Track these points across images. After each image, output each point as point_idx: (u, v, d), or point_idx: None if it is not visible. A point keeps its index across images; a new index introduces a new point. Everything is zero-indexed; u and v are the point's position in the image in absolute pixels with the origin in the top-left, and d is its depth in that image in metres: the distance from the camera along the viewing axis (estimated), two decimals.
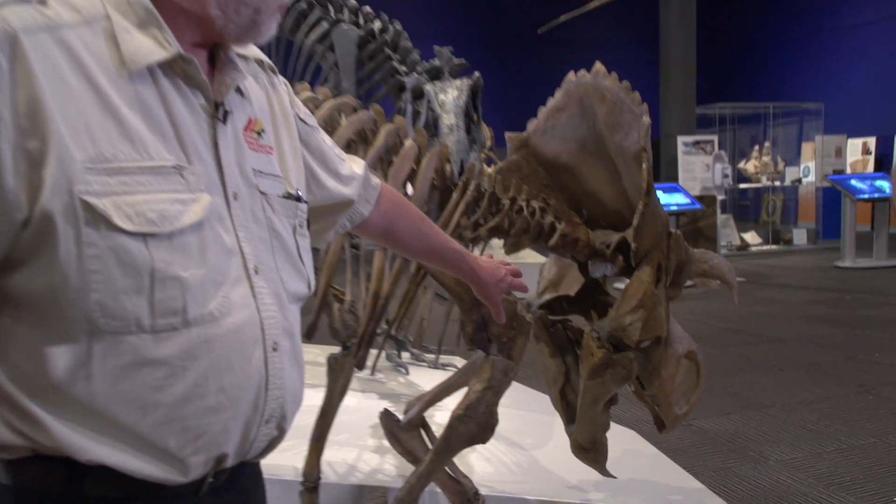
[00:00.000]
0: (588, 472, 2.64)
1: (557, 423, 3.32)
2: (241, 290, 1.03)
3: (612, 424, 3.40)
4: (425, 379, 4.20)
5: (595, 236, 2.29)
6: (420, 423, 2.51)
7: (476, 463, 3.15)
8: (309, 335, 2.07)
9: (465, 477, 2.49)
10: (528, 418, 3.82)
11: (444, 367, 4.60)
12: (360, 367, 2.04)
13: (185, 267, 0.97)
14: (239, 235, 1.04)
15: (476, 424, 2.03)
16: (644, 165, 1.98)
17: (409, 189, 2.18)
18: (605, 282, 2.50)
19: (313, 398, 3.05)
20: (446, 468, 2.43)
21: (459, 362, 4.52)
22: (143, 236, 0.94)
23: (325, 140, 1.35)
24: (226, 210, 1.03)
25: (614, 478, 2.57)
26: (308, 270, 1.18)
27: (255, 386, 1.05)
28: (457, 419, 2.05)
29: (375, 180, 1.47)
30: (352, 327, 2.50)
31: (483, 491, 2.57)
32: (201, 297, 0.98)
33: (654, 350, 2.24)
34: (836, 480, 3.56)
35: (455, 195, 2.18)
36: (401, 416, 2.57)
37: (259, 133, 1.13)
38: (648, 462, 3.27)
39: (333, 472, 2.97)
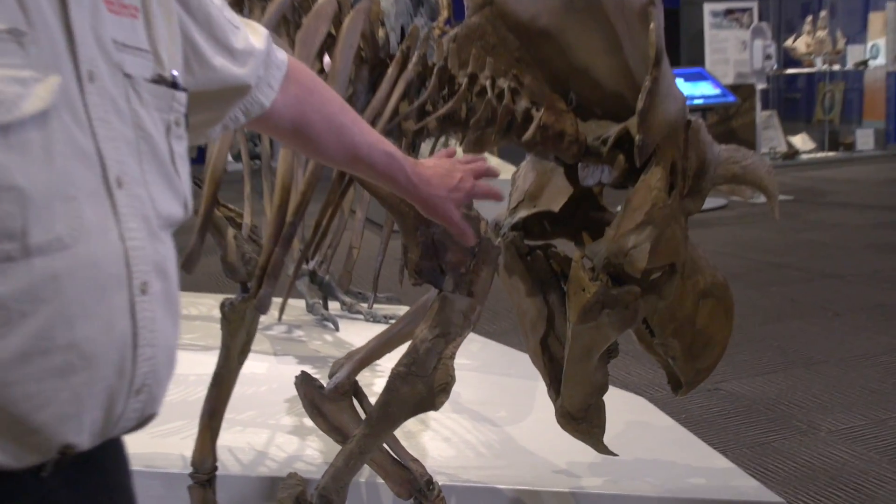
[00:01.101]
0: (580, 451, 2.69)
1: (539, 388, 3.36)
2: (99, 210, 1.02)
3: (614, 388, 3.44)
4: (360, 336, 4.21)
5: (587, 128, 2.28)
6: (351, 390, 2.52)
7: (431, 443, 3.19)
8: (187, 267, 2.04)
9: (415, 460, 2.52)
10: (501, 384, 3.86)
11: (385, 319, 4.62)
12: (262, 308, 2.02)
13: (26, 173, 0.95)
14: (97, 133, 1.03)
15: (424, 384, 2.04)
16: (652, 25, 1.96)
17: (327, 62, 2.14)
18: (601, 192, 2.50)
19: (205, 364, 3.04)
20: (387, 448, 2.45)
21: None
22: None
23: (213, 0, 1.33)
24: (79, 97, 1.02)
25: (615, 456, 2.62)
26: (185, 185, 1.17)
27: (120, 342, 1.04)
28: (398, 378, 2.06)
29: (282, 56, 1.45)
30: (253, 261, 2.47)
31: (440, 479, 2.60)
32: (47, 217, 0.97)
33: (667, 283, 2.26)
34: None
35: (391, 71, 2.14)
36: (325, 382, 2.57)
37: None
38: (662, 436, 3.34)
39: (235, 460, 2.98)
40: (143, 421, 1.14)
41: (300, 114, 1.47)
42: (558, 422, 2.45)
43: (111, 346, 1.04)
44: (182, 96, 1.17)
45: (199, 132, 1.40)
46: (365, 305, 4.70)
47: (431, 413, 3.36)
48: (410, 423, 3.27)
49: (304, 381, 2.52)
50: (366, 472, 2.79)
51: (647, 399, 3.82)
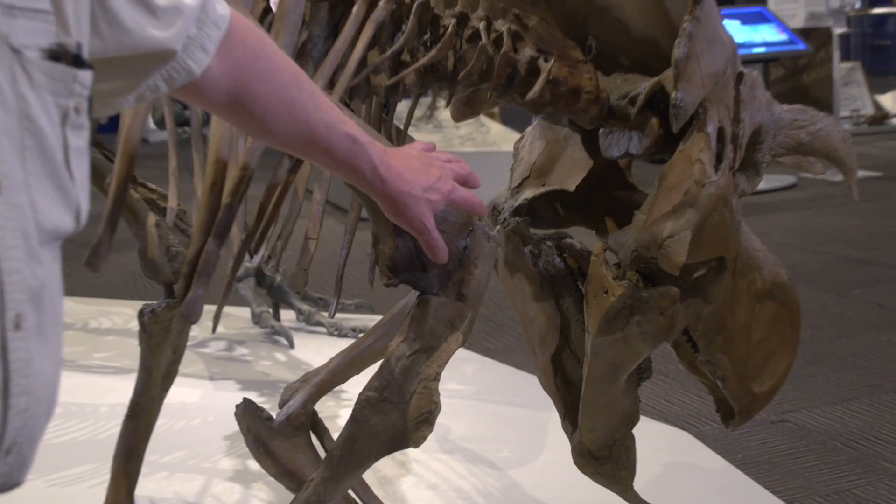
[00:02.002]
0: (606, 501, 2.70)
1: (552, 419, 3.38)
2: None
3: (648, 419, 3.44)
4: (321, 355, 4.23)
5: (610, 84, 2.29)
6: (308, 423, 2.52)
7: (412, 491, 3.20)
8: (93, 263, 2.04)
9: None
10: (502, 414, 3.87)
11: (354, 332, 4.62)
12: (192, 316, 2.02)
13: None
14: None
15: (400, 414, 2.04)
16: None
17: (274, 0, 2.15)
18: (628, 166, 2.50)
19: (120, 391, 3.04)
20: (355, 497, 2.45)
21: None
22: None
23: None
24: None
25: None
26: (79, 189, 1.18)
27: None
28: (367, 405, 2.06)
29: (222, 11, 1.46)
30: (181, 256, 2.48)
31: None
32: None
33: (715, 282, 2.27)
34: None
35: (357, 9, 2.14)
36: (275, 413, 2.57)
37: None
38: (711, 481, 3.36)
39: None
40: (6, 486, 1.15)
41: (242, 84, 1.49)
42: (576, 462, 2.46)
43: None
44: (86, 76, 1.17)
45: (106, 102, 1.41)
46: (326, 315, 4.70)
47: (413, 453, 3.39)
48: (386, 466, 3.29)
49: (247, 412, 2.52)
50: None
51: (692, 434, 3.83)
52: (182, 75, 1.42)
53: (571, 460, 2.48)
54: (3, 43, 1.07)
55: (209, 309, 2.31)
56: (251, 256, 2.52)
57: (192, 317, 2.06)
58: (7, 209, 1.06)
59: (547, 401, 2.57)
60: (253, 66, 1.50)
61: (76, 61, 1.16)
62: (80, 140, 1.17)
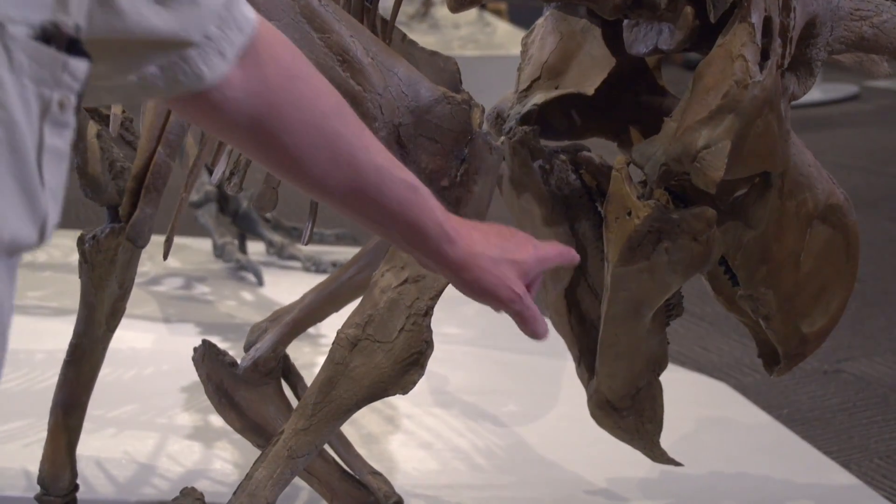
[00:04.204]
0: (627, 460, 2.71)
1: (566, 367, 3.39)
2: None
3: (679, 367, 3.43)
4: (294, 293, 4.22)
5: None
6: (279, 368, 2.53)
7: (402, 450, 3.21)
8: None
9: (377, 474, 2.54)
10: (508, 362, 3.87)
11: (334, 266, 4.61)
12: (139, 239, 2.02)
13: None
14: None
15: (385, 355, 2.04)
16: None
17: None
18: (658, 65, 2.49)
19: (59, 335, 3.03)
20: (333, 454, 2.47)
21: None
22: None
23: None
24: None
25: (679, 466, 2.64)
26: (49, 198, 1.16)
27: None
28: (347, 345, 2.06)
29: (248, 14, 1.41)
30: (127, 172, 2.47)
31: None
32: None
33: (758, 203, 2.27)
34: None
35: None
36: (240, 359, 2.58)
37: None
38: (752, 439, 3.38)
39: (105, 477, 3.01)
40: None
41: (272, 109, 1.45)
42: (592, 415, 2.47)
43: None
44: (79, 67, 1.15)
45: (93, 89, 1.37)
46: (302, 246, 4.70)
47: (403, 407, 3.40)
48: (371, 423, 3.30)
49: (207, 357, 2.53)
50: (304, 495, 2.81)
51: (731, 385, 3.83)
52: (189, 79, 1.38)
53: (588, 413, 2.48)
54: None
55: (163, 239, 2.30)
56: (209, 173, 2.51)
57: (140, 240, 2.06)
58: None
59: (560, 345, 2.57)
60: (286, 88, 1.47)
61: (70, 46, 1.14)
62: (59, 141, 1.15)
